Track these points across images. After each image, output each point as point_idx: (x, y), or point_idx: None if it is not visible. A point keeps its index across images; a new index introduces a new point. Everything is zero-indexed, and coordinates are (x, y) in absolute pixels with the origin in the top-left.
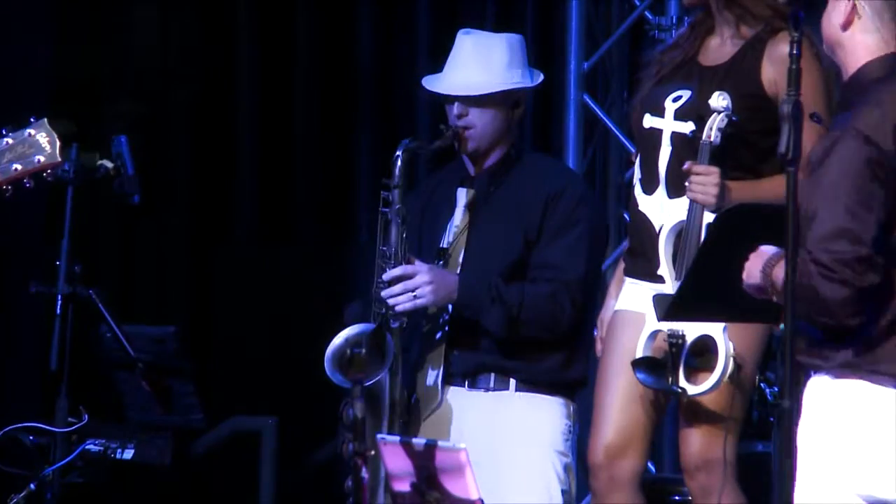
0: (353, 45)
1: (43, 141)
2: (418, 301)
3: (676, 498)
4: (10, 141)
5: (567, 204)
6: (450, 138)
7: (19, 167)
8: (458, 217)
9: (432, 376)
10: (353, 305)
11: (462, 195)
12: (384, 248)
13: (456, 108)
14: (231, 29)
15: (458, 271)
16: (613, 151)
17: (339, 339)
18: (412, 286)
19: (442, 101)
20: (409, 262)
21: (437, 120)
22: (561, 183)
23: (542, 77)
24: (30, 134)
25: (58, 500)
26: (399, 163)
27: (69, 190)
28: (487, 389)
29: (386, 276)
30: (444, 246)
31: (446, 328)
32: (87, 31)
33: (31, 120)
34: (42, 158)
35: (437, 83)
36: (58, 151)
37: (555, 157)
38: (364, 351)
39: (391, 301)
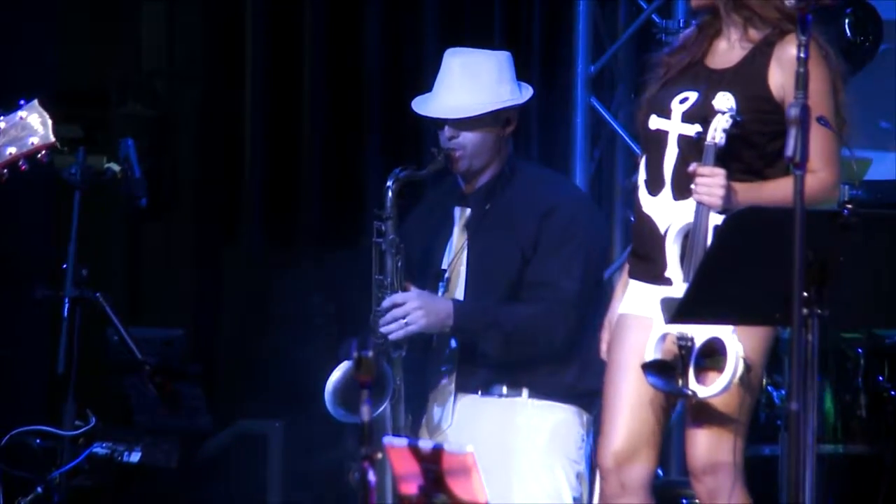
0: (361, 50)
1: (35, 123)
2: (409, 328)
3: (684, 501)
4: (3, 125)
5: (561, 220)
6: (441, 162)
7: (13, 150)
8: (456, 236)
9: (438, 411)
10: (351, 341)
11: (458, 214)
12: (380, 278)
13: (447, 132)
14: (238, 33)
15: (459, 293)
16: (621, 154)
17: (337, 374)
18: (401, 314)
19: (432, 124)
20: (405, 290)
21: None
22: (554, 199)
23: (531, 91)
24: (21, 117)
25: (65, 503)
26: (390, 193)
27: (76, 193)
28: (500, 396)
29: (380, 308)
30: (444, 267)
31: (455, 360)
32: (94, 34)
33: (21, 103)
34: (35, 140)
35: (427, 106)
36: (51, 132)
37: (562, 160)
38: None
39: (384, 330)
